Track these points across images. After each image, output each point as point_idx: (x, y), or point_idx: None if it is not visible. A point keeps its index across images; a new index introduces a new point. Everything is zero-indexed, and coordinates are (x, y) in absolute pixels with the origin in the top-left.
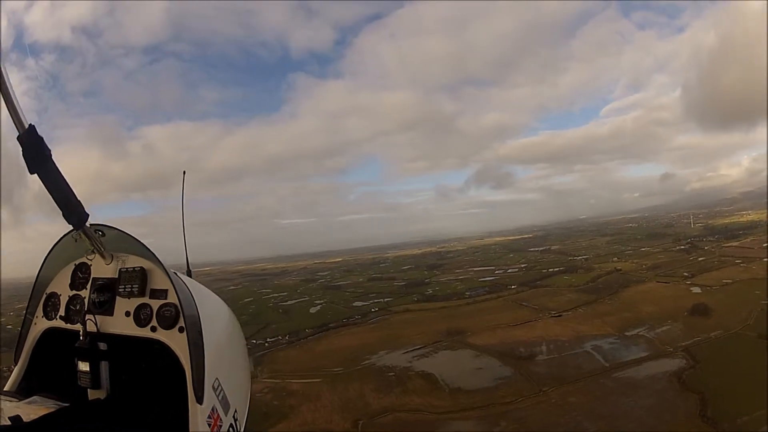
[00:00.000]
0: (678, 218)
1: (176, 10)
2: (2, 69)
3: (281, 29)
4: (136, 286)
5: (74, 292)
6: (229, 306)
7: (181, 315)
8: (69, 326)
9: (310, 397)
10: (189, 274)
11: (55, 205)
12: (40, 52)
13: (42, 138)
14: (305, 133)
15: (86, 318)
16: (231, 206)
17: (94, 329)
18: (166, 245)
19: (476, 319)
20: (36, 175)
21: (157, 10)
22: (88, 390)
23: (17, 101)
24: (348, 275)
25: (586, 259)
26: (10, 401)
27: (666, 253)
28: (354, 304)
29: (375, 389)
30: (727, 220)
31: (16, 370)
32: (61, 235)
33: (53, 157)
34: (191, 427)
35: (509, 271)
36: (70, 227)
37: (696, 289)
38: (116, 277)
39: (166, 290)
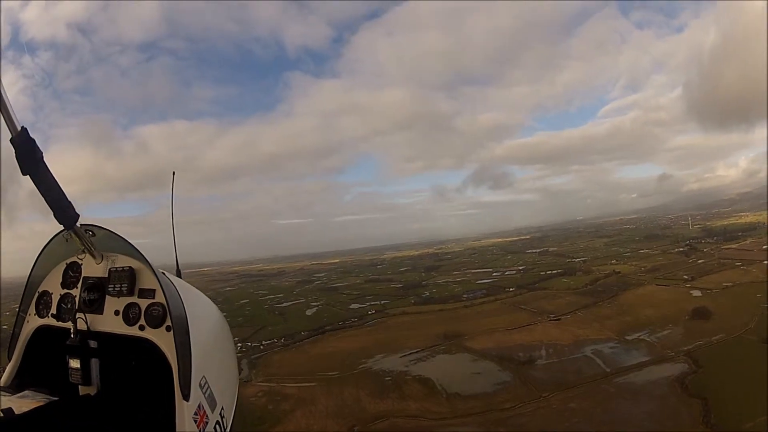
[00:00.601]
0: (676, 219)
1: (171, 6)
2: None
3: (277, 27)
4: (125, 285)
5: (65, 290)
6: (221, 306)
7: (168, 314)
8: (60, 324)
9: (305, 402)
10: (178, 274)
11: (47, 205)
12: (36, 49)
13: (34, 140)
14: (301, 132)
15: (77, 316)
16: (226, 205)
17: (85, 327)
18: (161, 244)
19: (474, 322)
20: (28, 176)
21: (152, 7)
22: (79, 386)
23: (10, 104)
24: (345, 277)
25: (584, 262)
26: (3, 395)
27: (665, 255)
28: (351, 307)
29: (371, 394)
30: (725, 222)
31: (9, 367)
32: (53, 235)
33: (45, 159)
34: (178, 424)
35: (507, 273)
36: (62, 227)
37: (696, 293)
38: (106, 276)
39: (154, 290)
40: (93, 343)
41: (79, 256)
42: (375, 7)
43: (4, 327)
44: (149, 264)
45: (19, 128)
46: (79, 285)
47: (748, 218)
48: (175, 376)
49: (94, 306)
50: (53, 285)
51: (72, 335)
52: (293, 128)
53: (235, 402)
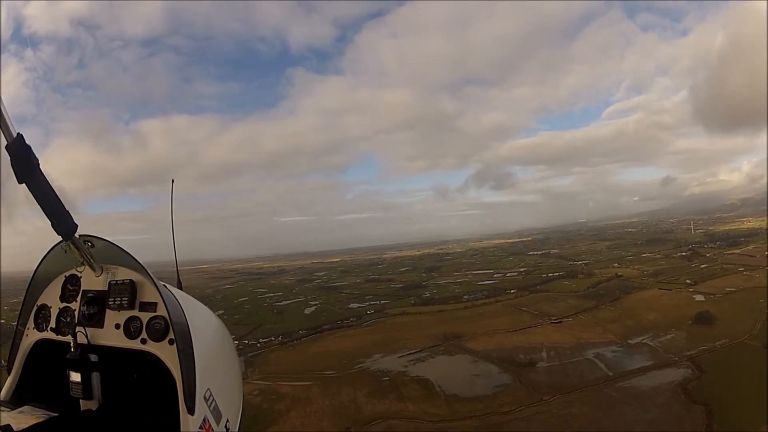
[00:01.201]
0: (678, 224)
1: (175, 3)
2: None
3: (281, 24)
4: (126, 298)
5: (64, 304)
6: (220, 304)
7: (170, 327)
8: (60, 338)
9: (301, 401)
10: (179, 286)
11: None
12: (38, 43)
13: (30, 147)
14: (304, 130)
15: (77, 330)
16: (228, 203)
17: (85, 341)
18: (162, 240)
19: (474, 323)
20: (24, 184)
21: (156, 4)
22: (80, 401)
23: (5, 109)
24: (345, 276)
25: (586, 264)
26: (2, 411)
27: (667, 259)
28: (350, 306)
29: (368, 394)
30: (727, 227)
31: (8, 381)
32: (51, 246)
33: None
34: None
35: (508, 274)
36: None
37: (699, 297)
38: (106, 289)
39: (156, 303)
40: (94, 357)
41: (78, 269)
42: (378, 7)
43: (2, 321)
44: (150, 276)
45: (14, 134)
46: (79, 298)
47: (751, 223)
48: (179, 389)
49: (94, 320)
50: (52, 298)
51: (72, 349)
52: (296, 126)
53: (240, 414)
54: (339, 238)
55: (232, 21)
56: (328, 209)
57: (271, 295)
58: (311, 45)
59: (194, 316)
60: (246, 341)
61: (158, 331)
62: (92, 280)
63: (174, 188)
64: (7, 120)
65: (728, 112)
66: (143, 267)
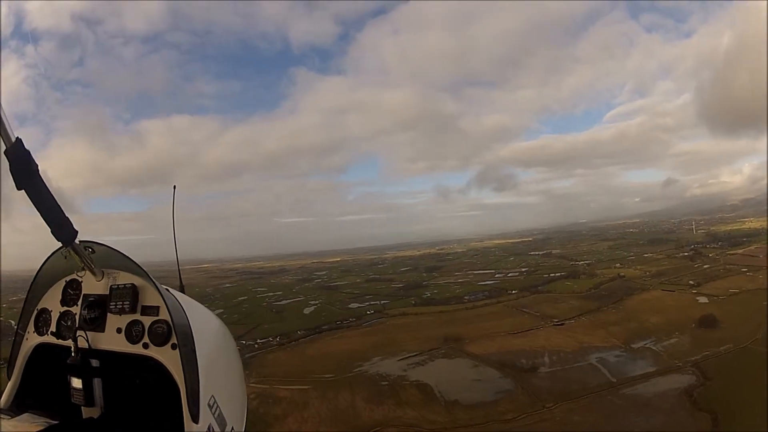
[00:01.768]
0: (679, 224)
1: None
2: None
3: (282, 22)
4: (127, 303)
5: (65, 308)
6: (219, 303)
7: (173, 331)
8: (60, 342)
9: (298, 406)
10: (182, 289)
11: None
12: (38, 39)
13: (29, 152)
14: (304, 130)
15: (77, 334)
16: (229, 202)
17: (86, 345)
18: (164, 240)
19: (475, 325)
20: (23, 191)
21: (158, 2)
22: (82, 408)
23: (5, 115)
24: (345, 275)
25: (588, 265)
26: (3, 418)
27: (669, 259)
28: (349, 306)
29: (367, 399)
30: (728, 227)
31: (8, 387)
32: (51, 252)
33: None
34: None
35: (509, 275)
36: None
37: (702, 299)
38: (107, 293)
39: (158, 307)
40: (95, 362)
41: (78, 273)
42: (381, 5)
43: (1, 319)
44: (152, 280)
45: (13, 139)
46: (80, 302)
47: (752, 224)
48: (183, 397)
49: (95, 324)
50: (52, 302)
51: (73, 353)
52: (296, 125)
53: (244, 421)
54: (340, 239)
55: (234, 17)
56: (328, 210)
57: (271, 294)
58: (313, 43)
59: (197, 320)
60: (243, 341)
61: (160, 335)
62: (93, 285)
63: (175, 188)
64: (6, 124)
65: (732, 114)
66: (145, 271)
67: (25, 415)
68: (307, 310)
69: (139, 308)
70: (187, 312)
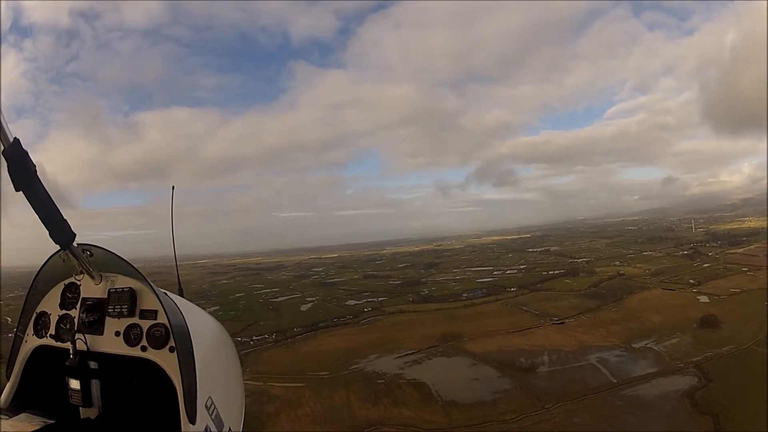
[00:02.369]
0: (678, 222)
1: None
2: None
3: (283, 16)
4: (126, 306)
5: (64, 311)
6: (216, 300)
7: (171, 335)
8: (59, 344)
9: (291, 404)
10: (180, 293)
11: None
12: (37, 33)
13: (27, 152)
14: (304, 124)
15: (76, 337)
16: (227, 197)
17: (84, 348)
18: (162, 236)
19: (473, 323)
20: (21, 192)
21: None
22: (80, 408)
23: (3, 115)
24: (343, 272)
25: (587, 262)
26: (1, 418)
27: (669, 258)
28: (347, 303)
29: (362, 398)
30: (728, 226)
31: (7, 387)
32: (49, 255)
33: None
34: None
35: (508, 272)
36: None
37: (703, 298)
38: (105, 297)
39: (156, 310)
40: (93, 364)
41: (77, 277)
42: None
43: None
44: (150, 284)
45: (11, 139)
46: (78, 306)
47: (751, 223)
48: (180, 398)
49: (94, 327)
50: (51, 306)
51: (71, 356)
52: (296, 120)
53: (242, 423)
54: (338, 234)
55: (234, 11)
56: (327, 204)
57: (268, 290)
58: (313, 37)
59: (195, 323)
60: (239, 338)
61: (159, 338)
62: (91, 288)
63: (173, 183)
64: (4, 125)
65: (735, 113)
66: (142, 275)
67: (22, 415)
68: (304, 307)
69: (137, 312)
70: (185, 315)
